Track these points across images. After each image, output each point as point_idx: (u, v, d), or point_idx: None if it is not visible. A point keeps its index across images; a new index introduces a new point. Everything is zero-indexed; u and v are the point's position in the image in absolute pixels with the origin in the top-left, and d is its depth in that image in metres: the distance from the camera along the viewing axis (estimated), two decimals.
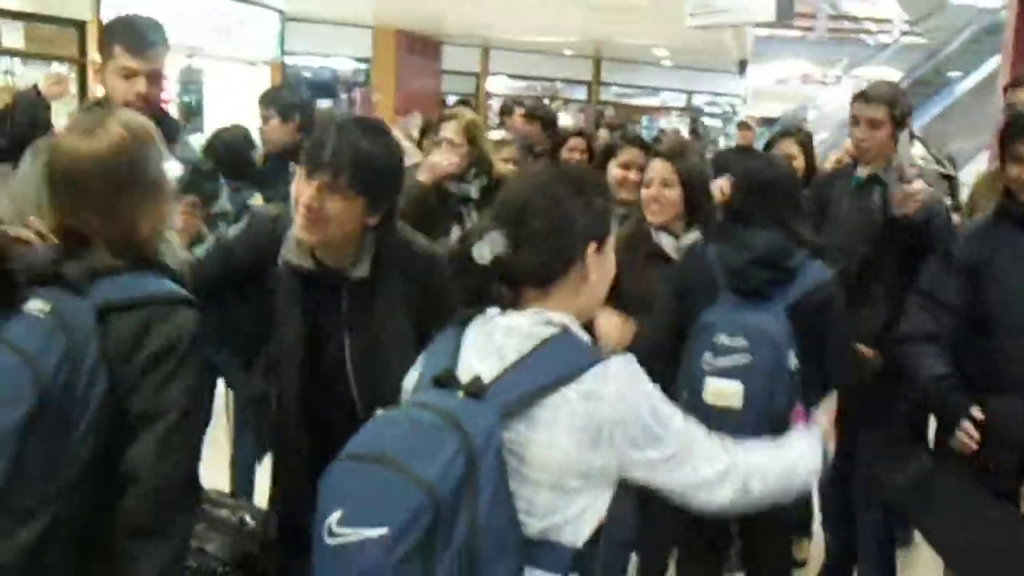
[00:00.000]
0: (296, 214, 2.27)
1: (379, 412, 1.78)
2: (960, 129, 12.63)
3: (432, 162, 3.99)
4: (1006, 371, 2.96)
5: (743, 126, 8.35)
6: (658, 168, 3.42)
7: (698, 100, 23.13)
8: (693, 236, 3.29)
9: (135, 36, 2.98)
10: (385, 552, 1.55)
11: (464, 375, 1.75)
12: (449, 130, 4.20)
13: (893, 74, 18.81)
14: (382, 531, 1.56)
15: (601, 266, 1.88)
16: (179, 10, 11.96)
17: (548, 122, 6.39)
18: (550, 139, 6.16)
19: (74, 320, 1.82)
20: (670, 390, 2.13)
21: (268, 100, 4.80)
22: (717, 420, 2.50)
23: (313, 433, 2.42)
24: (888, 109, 3.71)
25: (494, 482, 1.63)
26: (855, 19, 21.72)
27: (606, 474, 1.75)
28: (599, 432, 1.71)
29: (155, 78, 3.01)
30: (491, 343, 1.81)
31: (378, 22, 15.72)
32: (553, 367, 1.74)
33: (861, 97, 3.81)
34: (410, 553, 1.55)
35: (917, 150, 3.79)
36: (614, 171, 4.00)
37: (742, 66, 18.10)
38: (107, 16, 10.78)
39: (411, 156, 4.47)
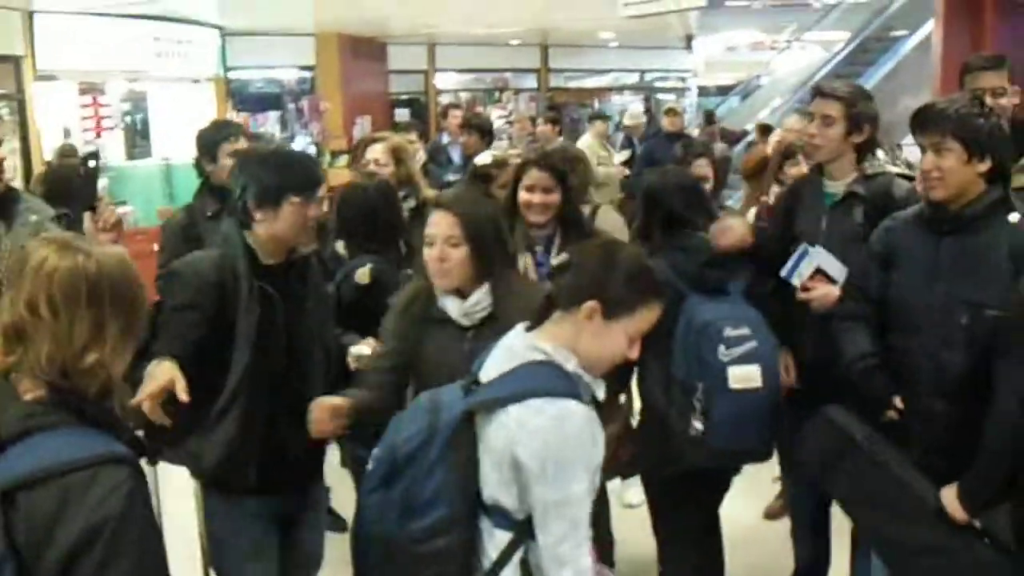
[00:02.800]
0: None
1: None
2: (907, 87, 12.72)
3: None
4: (899, 366, 3.00)
5: (671, 112, 8.31)
6: (442, 223, 2.88)
7: (651, 76, 23.13)
8: (479, 295, 2.87)
9: None
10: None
11: (483, 375, 2.30)
12: (376, 151, 4.26)
13: (840, 36, 18.88)
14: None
15: (603, 330, 2.24)
16: (119, 35, 11.87)
17: (484, 131, 6.40)
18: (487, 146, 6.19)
19: None
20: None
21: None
22: (742, 401, 3.14)
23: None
24: (843, 107, 3.50)
25: (442, 451, 2.19)
26: None
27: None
28: (514, 447, 2.15)
29: None
30: (499, 353, 2.31)
31: (319, 29, 15.58)
32: (515, 386, 2.18)
33: (818, 91, 3.61)
34: (375, 483, 2.27)
35: (878, 155, 3.65)
36: (521, 195, 3.72)
37: (688, 41, 18.10)
38: (42, 50, 10.69)
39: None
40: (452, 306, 2.90)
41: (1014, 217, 2.86)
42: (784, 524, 4.33)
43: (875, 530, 3.09)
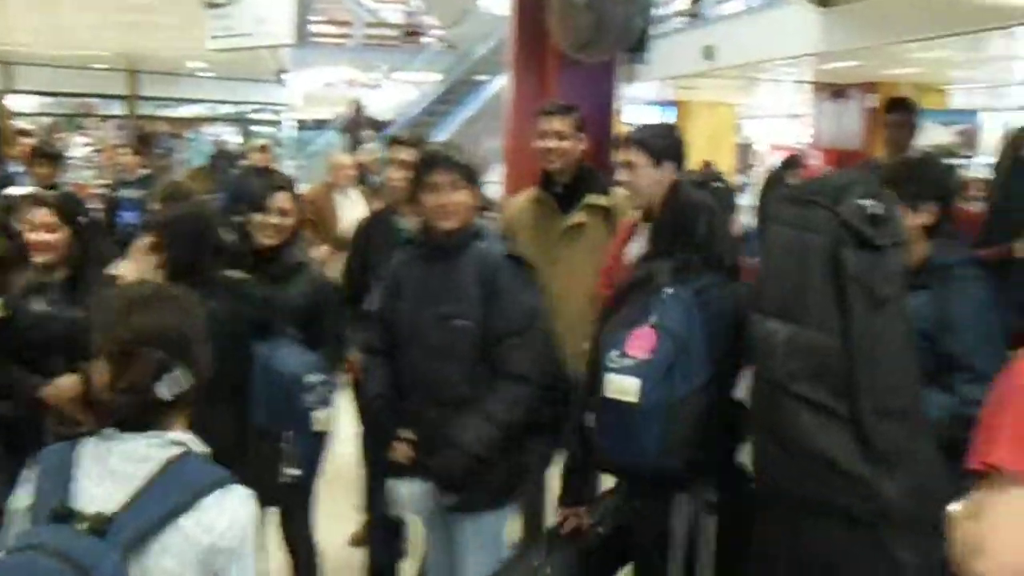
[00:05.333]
0: None
1: (1, 555, 1.77)
2: (489, 130, 13.48)
3: None
4: (402, 378, 3.32)
5: (263, 149, 8.39)
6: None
7: (248, 108, 22.95)
8: None
9: None
10: None
11: (84, 504, 1.78)
12: None
13: (432, 77, 19.76)
14: None
15: None
16: None
17: (55, 158, 6.18)
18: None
19: None
20: None
21: None
22: (320, 441, 3.45)
23: None
24: (416, 150, 3.81)
25: None
26: (392, 26, 22.53)
27: None
28: (209, 561, 1.82)
29: None
30: (108, 468, 1.84)
31: None
32: (171, 495, 1.81)
33: (395, 140, 3.96)
34: None
35: None
36: None
37: (280, 76, 18.19)
38: None
39: None
40: None
41: (483, 244, 3.28)
42: None
43: None
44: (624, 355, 2.63)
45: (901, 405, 2.27)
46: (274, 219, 3.60)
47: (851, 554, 2.29)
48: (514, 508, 3.47)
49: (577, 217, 4.07)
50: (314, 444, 3.43)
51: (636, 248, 3.56)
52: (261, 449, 3.32)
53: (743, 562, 2.57)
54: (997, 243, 4.41)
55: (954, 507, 1.74)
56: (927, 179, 3.10)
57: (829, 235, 2.29)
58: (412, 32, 22.07)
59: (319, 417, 3.38)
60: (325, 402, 3.41)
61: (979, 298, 2.97)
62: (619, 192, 4.10)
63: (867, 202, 2.31)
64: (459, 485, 3.16)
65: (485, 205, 3.42)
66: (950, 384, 2.81)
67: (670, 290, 2.70)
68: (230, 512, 1.85)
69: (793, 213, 2.39)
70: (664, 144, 3.53)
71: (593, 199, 4.09)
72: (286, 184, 3.77)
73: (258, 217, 3.59)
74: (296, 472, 3.35)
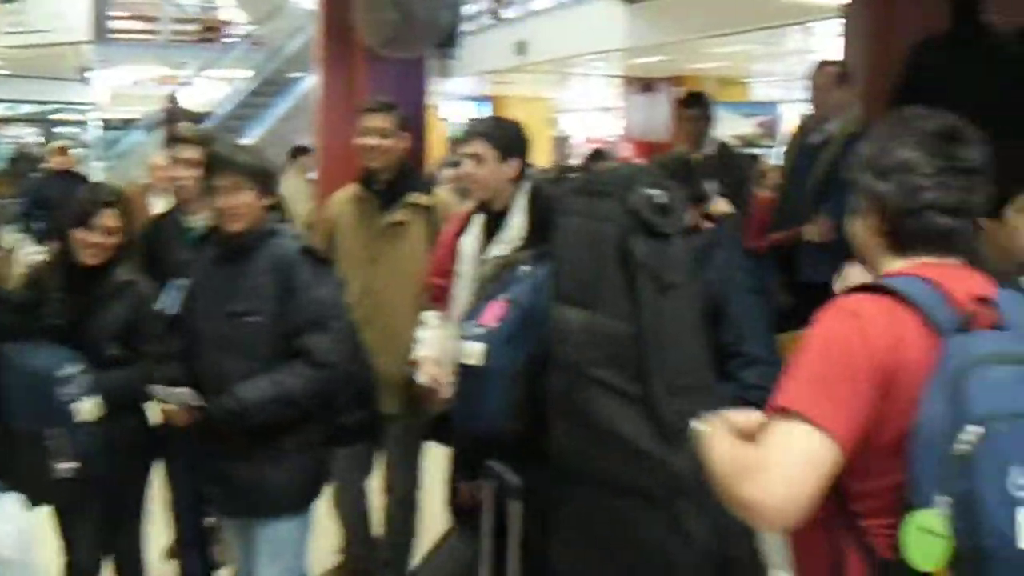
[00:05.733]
0: None
1: None
2: (303, 128, 13.31)
3: None
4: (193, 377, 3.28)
5: (62, 151, 8.08)
6: None
7: (50, 108, 21.99)
8: None
9: None
10: None
11: None
12: None
13: (245, 74, 19.33)
14: None
15: None
16: None
17: None
18: None
19: None
20: None
21: None
22: (91, 432, 3.34)
23: None
24: (200, 150, 3.77)
25: None
26: (201, 21, 21.98)
27: None
28: None
29: None
30: None
31: None
32: None
33: (179, 139, 3.89)
34: None
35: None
36: None
37: (83, 74, 17.50)
38: None
39: None
40: None
41: (278, 241, 3.29)
42: None
43: None
44: (477, 325, 2.74)
45: (690, 383, 2.36)
46: (98, 238, 3.43)
47: (649, 532, 2.37)
48: (312, 518, 3.40)
49: (398, 215, 4.04)
50: (89, 436, 3.29)
51: (470, 240, 3.58)
52: (22, 448, 3.21)
53: (549, 545, 2.63)
54: (787, 227, 4.66)
55: (700, 423, 1.86)
56: (690, 180, 3.20)
57: (619, 224, 2.36)
58: (212, 27, 21.55)
59: (81, 408, 3.28)
60: (87, 392, 3.29)
61: (744, 285, 3.10)
62: (440, 192, 4.12)
63: (654, 192, 2.40)
64: (223, 429, 3.14)
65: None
66: (728, 372, 2.90)
67: (527, 268, 2.80)
68: (11, 521, 1.82)
69: (583, 204, 2.47)
70: (511, 139, 3.51)
71: (415, 198, 4.06)
72: (115, 199, 3.52)
73: (80, 234, 3.42)
74: (71, 465, 3.23)
